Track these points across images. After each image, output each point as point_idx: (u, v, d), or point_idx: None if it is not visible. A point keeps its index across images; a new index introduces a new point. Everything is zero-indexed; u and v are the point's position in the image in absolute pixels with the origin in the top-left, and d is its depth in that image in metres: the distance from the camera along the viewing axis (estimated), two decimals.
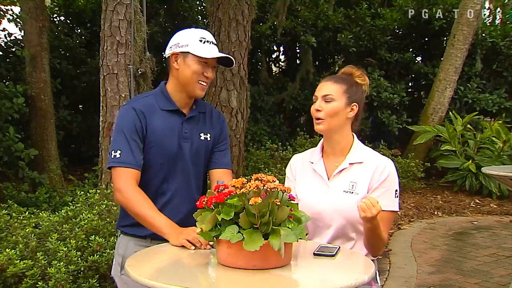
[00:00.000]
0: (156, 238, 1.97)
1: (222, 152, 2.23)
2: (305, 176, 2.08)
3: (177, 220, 1.99)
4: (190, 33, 2.11)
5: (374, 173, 1.99)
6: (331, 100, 1.98)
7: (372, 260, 2.02)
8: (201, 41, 2.07)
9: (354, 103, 2.01)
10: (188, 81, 2.07)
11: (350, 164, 2.02)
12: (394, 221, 6.30)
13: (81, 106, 8.30)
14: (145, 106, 2.09)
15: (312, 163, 2.09)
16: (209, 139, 2.17)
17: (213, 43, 2.11)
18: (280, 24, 8.52)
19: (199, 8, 9.43)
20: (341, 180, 2.01)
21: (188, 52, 2.06)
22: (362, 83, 2.08)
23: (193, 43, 2.07)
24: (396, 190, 2.01)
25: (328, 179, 2.03)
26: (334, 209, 1.98)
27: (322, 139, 2.11)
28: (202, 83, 2.08)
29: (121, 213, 2.18)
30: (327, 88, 2.01)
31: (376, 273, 2.06)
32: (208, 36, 2.12)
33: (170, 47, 2.12)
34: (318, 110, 1.99)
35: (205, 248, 1.80)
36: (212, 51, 2.07)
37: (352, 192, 1.98)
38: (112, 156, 2.03)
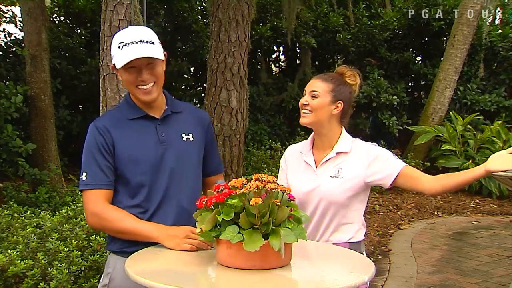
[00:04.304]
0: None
1: (212, 158, 2.15)
2: (296, 166, 2.26)
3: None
4: (113, 42, 1.94)
5: (360, 158, 2.15)
6: (316, 96, 2.14)
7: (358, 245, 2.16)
8: (119, 47, 1.89)
9: (339, 101, 2.16)
10: (131, 90, 1.96)
11: (337, 153, 2.18)
12: (394, 220, 6.33)
13: (81, 106, 8.30)
14: (110, 120, 1.97)
15: (302, 154, 2.26)
16: (192, 139, 2.02)
17: (134, 42, 1.88)
18: (290, 32, 8.50)
19: (199, 8, 9.43)
20: (328, 167, 2.18)
21: (114, 64, 1.92)
22: (351, 83, 2.23)
23: (115, 53, 1.91)
24: (392, 155, 2.16)
25: (316, 167, 2.19)
26: (319, 192, 2.14)
27: (313, 133, 2.26)
28: (141, 87, 1.92)
29: (109, 236, 2.04)
30: (315, 85, 2.18)
31: (362, 243, 2.22)
32: (129, 36, 1.90)
33: None
34: (304, 104, 2.17)
35: (207, 249, 1.79)
36: (128, 55, 1.87)
37: (338, 177, 2.14)
38: (80, 179, 1.94)
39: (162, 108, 2.02)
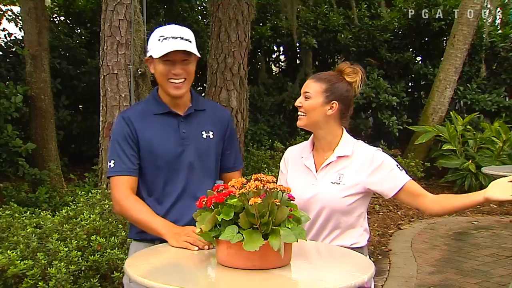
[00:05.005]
0: (164, 241, 1.93)
1: (229, 154, 2.20)
2: (296, 170, 2.18)
3: (184, 223, 1.97)
4: (153, 35, 2.06)
5: (362, 165, 2.07)
6: (309, 97, 2.08)
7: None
8: (159, 40, 2.00)
9: (334, 101, 2.07)
10: (161, 83, 2.06)
11: (337, 157, 2.09)
12: (394, 220, 6.33)
13: (81, 106, 8.30)
14: (135, 113, 2.10)
15: (303, 157, 2.18)
16: (212, 136, 2.11)
17: (174, 37, 2.00)
18: (294, 32, 8.52)
19: (199, 8, 9.44)
20: (329, 172, 2.09)
21: (151, 56, 2.03)
22: (351, 81, 2.13)
23: (153, 45, 2.03)
24: (397, 165, 2.10)
25: (316, 171, 2.11)
26: (320, 199, 2.06)
27: (312, 135, 2.19)
28: (172, 81, 2.02)
29: (130, 224, 2.17)
30: (308, 85, 2.12)
31: (365, 249, 2.16)
32: (170, 31, 2.02)
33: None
34: (298, 106, 2.12)
35: (206, 248, 1.79)
36: (168, 47, 1.98)
37: (339, 183, 2.06)
38: (108, 167, 2.06)
39: (186, 105, 2.12)
